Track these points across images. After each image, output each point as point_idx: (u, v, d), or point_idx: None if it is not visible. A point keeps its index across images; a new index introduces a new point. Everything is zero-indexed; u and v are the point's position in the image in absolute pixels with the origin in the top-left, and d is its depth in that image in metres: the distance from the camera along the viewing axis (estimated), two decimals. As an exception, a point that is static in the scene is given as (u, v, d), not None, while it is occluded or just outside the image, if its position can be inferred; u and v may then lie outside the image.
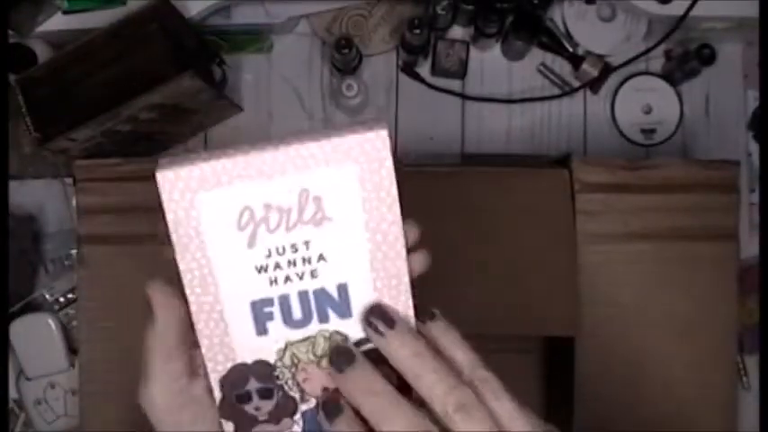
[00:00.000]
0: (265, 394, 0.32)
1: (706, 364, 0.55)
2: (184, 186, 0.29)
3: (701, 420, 0.55)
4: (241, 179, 0.29)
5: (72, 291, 0.69)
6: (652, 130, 0.73)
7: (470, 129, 0.74)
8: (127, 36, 0.60)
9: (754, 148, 0.73)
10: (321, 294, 0.31)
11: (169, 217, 0.30)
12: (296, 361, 0.32)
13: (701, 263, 0.56)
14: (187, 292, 0.31)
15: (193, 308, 0.31)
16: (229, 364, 0.32)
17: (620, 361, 0.55)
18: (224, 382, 0.32)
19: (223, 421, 0.32)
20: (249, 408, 0.32)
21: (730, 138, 0.74)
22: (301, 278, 0.31)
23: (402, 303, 0.32)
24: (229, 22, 0.71)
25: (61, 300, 0.69)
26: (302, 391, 0.32)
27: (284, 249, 0.30)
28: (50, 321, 0.68)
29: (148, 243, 0.57)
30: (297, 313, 0.31)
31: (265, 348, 0.32)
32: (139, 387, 0.35)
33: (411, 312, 0.32)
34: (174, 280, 0.31)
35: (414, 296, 0.33)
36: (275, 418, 0.32)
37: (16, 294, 0.69)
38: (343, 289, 0.31)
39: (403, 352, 0.30)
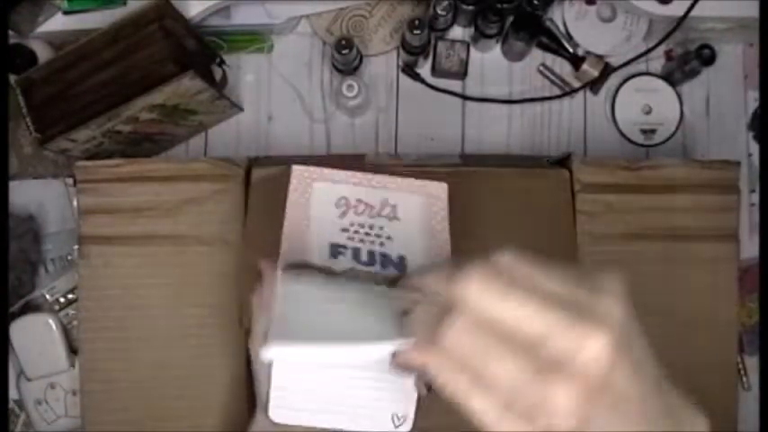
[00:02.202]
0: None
1: (706, 364, 0.55)
2: (308, 176, 0.43)
3: (701, 420, 0.55)
4: (346, 183, 0.42)
5: (72, 291, 0.69)
6: (652, 131, 0.73)
7: (470, 129, 0.74)
8: (127, 36, 0.60)
9: (755, 148, 0.73)
10: (384, 256, 0.41)
11: (290, 191, 0.43)
12: (357, 277, 0.40)
13: (700, 263, 0.56)
14: (284, 232, 0.41)
15: (284, 242, 0.41)
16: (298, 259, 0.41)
17: (620, 361, 0.55)
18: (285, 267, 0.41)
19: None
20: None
21: (730, 138, 0.74)
22: (372, 244, 0.41)
23: None
24: (229, 23, 0.71)
25: (61, 300, 0.69)
26: None
27: (363, 226, 0.42)
28: (50, 321, 0.68)
29: (148, 244, 0.57)
30: (364, 257, 0.41)
31: (333, 265, 0.40)
32: (250, 337, 0.45)
33: None
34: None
35: None
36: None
37: (16, 294, 0.69)
38: (401, 258, 0.41)
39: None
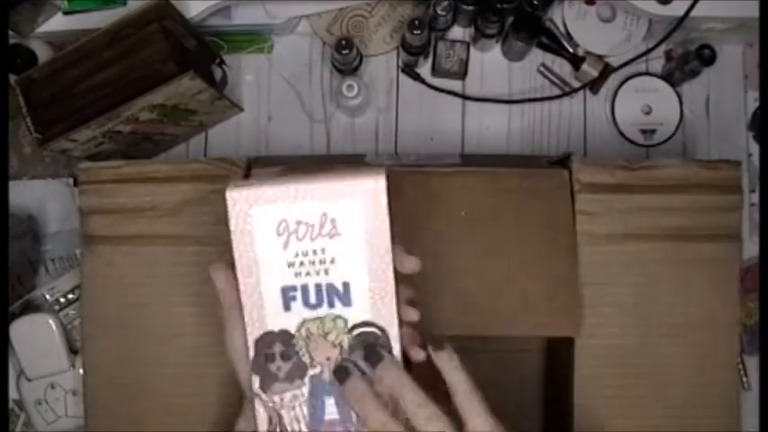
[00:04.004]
0: (285, 356, 0.43)
1: (706, 365, 0.55)
2: (244, 202, 0.41)
3: (701, 420, 0.55)
4: (282, 200, 0.41)
5: (72, 291, 0.69)
6: (652, 131, 0.73)
7: (470, 129, 0.74)
8: (127, 36, 0.60)
9: (755, 148, 0.73)
10: (330, 288, 0.42)
11: (231, 221, 0.41)
12: (309, 334, 0.42)
13: (701, 263, 0.56)
14: (238, 274, 0.42)
15: (242, 287, 0.42)
16: (262, 330, 0.42)
17: (619, 361, 0.55)
18: (257, 343, 0.43)
19: (253, 375, 0.43)
20: (272, 366, 0.43)
21: (730, 138, 0.74)
22: (318, 274, 0.42)
23: (387, 299, 0.42)
24: (229, 23, 0.71)
25: (61, 300, 0.69)
26: (311, 359, 0.43)
27: (307, 252, 0.41)
28: (50, 321, 0.68)
29: (149, 243, 0.57)
30: (312, 299, 0.42)
31: (288, 322, 0.42)
32: (226, 342, 0.45)
33: (394, 308, 0.42)
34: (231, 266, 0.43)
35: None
36: (290, 377, 0.43)
37: (16, 294, 0.69)
38: (346, 285, 0.42)
39: (388, 381, 0.41)
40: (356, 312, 0.42)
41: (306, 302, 0.42)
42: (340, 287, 0.42)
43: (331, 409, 0.43)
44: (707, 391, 0.55)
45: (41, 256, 0.72)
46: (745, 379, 0.69)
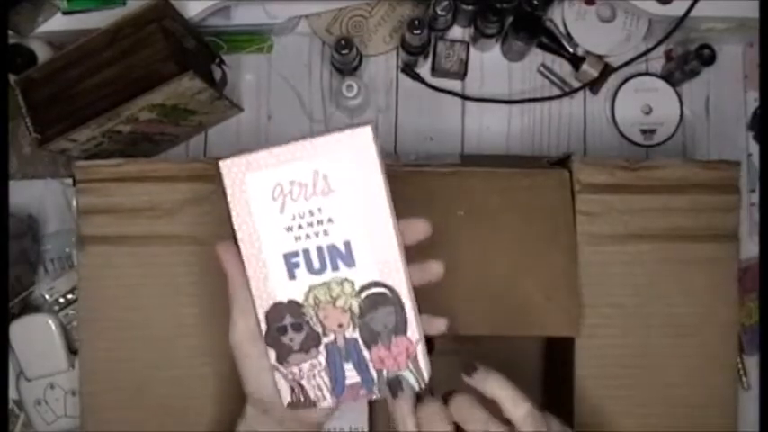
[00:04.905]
0: (297, 328, 0.43)
1: (706, 365, 0.55)
2: (237, 170, 0.41)
3: (701, 420, 0.55)
4: (274, 165, 0.41)
5: (72, 291, 0.69)
6: (652, 131, 0.73)
7: (470, 129, 0.74)
8: (127, 36, 0.60)
9: (755, 148, 0.73)
10: (332, 249, 0.41)
11: (228, 191, 0.42)
12: (317, 301, 0.42)
13: (700, 263, 0.56)
14: (240, 245, 0.42)
15: (245, 259, 0.42)
16: (271, 302, 0.43)
17: (619, 361, 0.55)
18: (267, 316, 0.43)
19: (267, 348, 0.43)
20: (285, 339, 0.43)
21: (730, 138, 0.74)
22: (317, 236, 0.41)
23: (393, 256, 0.41)
24: (229, 23, 0.71)
25: (61, 300, 0.69)
26: (323, 327, 0.43)
27: (304, 214, 0.41)
28: (50, 322, 0.68)
29: (148, 244, 0.57)
30: (316, 263, 0.42)
31: (295, 291, 0.42)
32: (229, 331, 0.45)
33: (401, 265, 0.41)
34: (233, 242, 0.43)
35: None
36: (305, 347, 0.43)
37: (16, 295, 0.69)
38: (347, 245, 0.41)
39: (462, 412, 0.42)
40: (362, 273, 0.41)
41: (309, 268, 0.42)
42: (341, 247, 0.41)
43: (351, 373, 0.43)
44: (706, 391, 0.55)
45: (41, 256, 0.72)
46: (744, 379, 0.69)
